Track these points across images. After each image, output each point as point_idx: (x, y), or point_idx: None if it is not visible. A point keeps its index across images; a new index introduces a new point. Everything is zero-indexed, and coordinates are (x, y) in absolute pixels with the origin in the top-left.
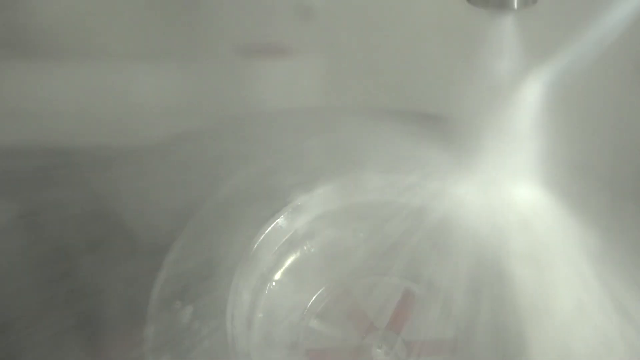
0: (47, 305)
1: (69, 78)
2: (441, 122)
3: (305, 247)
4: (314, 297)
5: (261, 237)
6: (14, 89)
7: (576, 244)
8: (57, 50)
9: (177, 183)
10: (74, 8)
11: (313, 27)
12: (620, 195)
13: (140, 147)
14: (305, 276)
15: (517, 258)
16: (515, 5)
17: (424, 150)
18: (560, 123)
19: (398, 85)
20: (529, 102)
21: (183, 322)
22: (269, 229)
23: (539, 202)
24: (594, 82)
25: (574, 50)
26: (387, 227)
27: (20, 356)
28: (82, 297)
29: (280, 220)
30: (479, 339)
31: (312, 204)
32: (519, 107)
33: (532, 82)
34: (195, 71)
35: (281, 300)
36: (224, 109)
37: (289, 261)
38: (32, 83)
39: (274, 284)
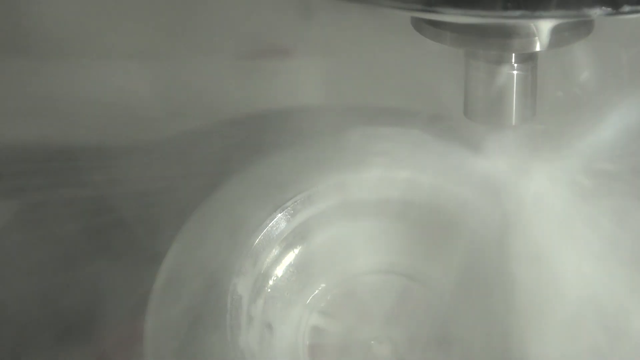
0: (46, 304)
1: (71, 77)
2: (444, 120)
3: (305, 244)
4: (315, 293)
5: (261, 235)
6: (11, 88)
7: (579, 244)
8: (57, 50)
9: (177, 181)
10: (75, 7)
11: (314, 28)
12: (625, 195)
13: (141, 147)
14: (306, 273)
15: (518, 257)
16: (514, 122)
17: (426, 148)
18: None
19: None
20: None
21: (183, 321)
22: (269, 226)
23: (542, 201)
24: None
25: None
26: (389, 225)
27: (20, 355)
28: (82, 294)
29: (280, 218)
30: (477, 336)
31: (313, 201)
32: None
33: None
34: (196, 71)
35: (282, 298)
36: (224, 109)
37: (290, 258)
38: (30, 82)
39: (274, 281)
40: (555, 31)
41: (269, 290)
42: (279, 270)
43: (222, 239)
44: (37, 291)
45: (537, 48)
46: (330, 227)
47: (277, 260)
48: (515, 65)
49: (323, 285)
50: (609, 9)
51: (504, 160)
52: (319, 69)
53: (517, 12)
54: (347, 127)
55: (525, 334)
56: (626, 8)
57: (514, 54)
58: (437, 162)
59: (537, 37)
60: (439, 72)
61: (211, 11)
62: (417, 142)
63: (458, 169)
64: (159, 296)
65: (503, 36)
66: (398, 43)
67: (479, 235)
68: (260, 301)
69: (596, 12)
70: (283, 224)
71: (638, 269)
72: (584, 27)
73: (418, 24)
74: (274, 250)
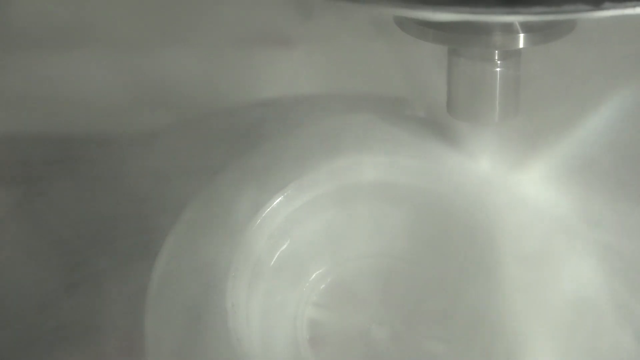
0: (45, 299)
1: (65, 67)
2: (442, 110)
3: (300, 232)
4: (309, 283)
5: (255, 224)
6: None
7: (578, 243)
8: (49, 40)
9: (170, 172)
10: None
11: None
12: (625, 196)
13: (134, 140)
14: (301, 262)
15: (513, 253)
16: (496, 119)
17: (421, 135)
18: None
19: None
20: None
21: (181, 317)
22: (263, 216)
23: (541, 199)
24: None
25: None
26: (382, 210)
27: (19, 352)
28: (81, 293)
29: (274, 207)
30: (475, 312)
31: (306, 187)
32: None
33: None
34: (190, 61)
35: (278, 289)
36: (218, 99)
37: (284, 248)
38: (21, 73)
39: (269, 272)
40: (537, 28)
41: (266, 283)
42: (275, 261)
43: (217, 232)
44: (35, 284)
45: (520, 45)
46: (324, 213)
47: (272, 250)
48: (499, 62)
49: (318, 273)
50: (590, 6)
51: (501, 157)
52: (314, 58)
53: (498, 9)
54: (340, 115)
55: (521, 335)
56: (607, 5)
57: (497, 51)
58: (433, 150)
59: (520, 34)
60: (436, 64)
61: (206, 1)
62: (412, 129)
63: (454, 158)
64: (156, 295)
65: (486, 33)
66: (396, 36)
67: (473, 221)
68: (257, 296)
69: (577, 9)
70: (277, 213)
71: (638, 269)
72: (567, 24)
73: (401, 22)
74: (268, 241)
